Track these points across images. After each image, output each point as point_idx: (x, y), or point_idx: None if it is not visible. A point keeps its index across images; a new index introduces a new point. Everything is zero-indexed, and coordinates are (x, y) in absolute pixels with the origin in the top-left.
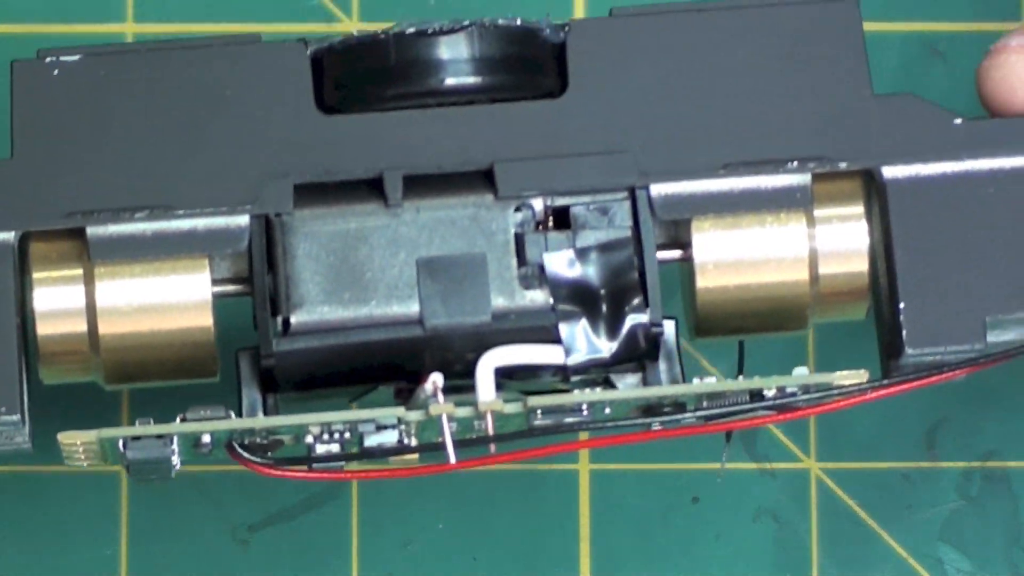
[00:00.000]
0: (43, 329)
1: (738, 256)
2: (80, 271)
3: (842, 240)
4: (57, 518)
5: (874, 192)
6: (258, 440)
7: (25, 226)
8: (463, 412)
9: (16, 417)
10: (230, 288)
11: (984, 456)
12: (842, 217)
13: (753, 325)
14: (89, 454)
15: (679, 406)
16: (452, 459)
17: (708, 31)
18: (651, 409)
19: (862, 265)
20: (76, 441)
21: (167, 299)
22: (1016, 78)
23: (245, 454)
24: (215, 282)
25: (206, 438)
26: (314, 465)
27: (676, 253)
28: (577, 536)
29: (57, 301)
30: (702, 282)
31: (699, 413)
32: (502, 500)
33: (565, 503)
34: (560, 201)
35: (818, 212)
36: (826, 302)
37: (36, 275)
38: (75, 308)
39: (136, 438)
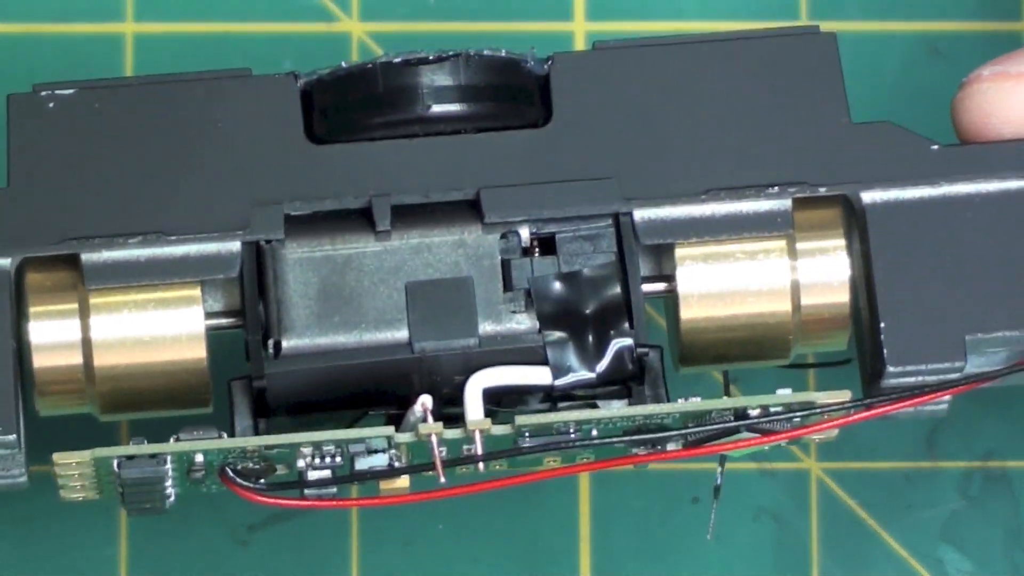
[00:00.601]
0: (39, 362)
1: (722, 288)
2: (75, 305)
3: (824, 272)
4: (57, 518)
5: (854, 219)
6: (251, 464)
7: (20, 252)
8: (452, 434)
9: (12, 437)
10: (223, 321)
11: (984, 456)
12: (824, 250)
13: (736, 354)
14: (84, 480)
15: (663, 429)
16: (442, 478)
17: (689, 62)
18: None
19: (843, 296)
20: (71, 461)
21: (161, 332)
22: (989, 105)
23: (238, 479)
24: (208, 315)
25: (199, 457)
26: (306, 492)
27: (661, 286)
28: (577, 536)
29: (53, 335)
30: (686, 313)
31: (683, 431)
32: (502, 500)
33: (565, 503)
34: (546, 229)
35: (800, 245)
36: (808, 332)
37: (32, 308)
38: (71, 341)
39: (130, 457)
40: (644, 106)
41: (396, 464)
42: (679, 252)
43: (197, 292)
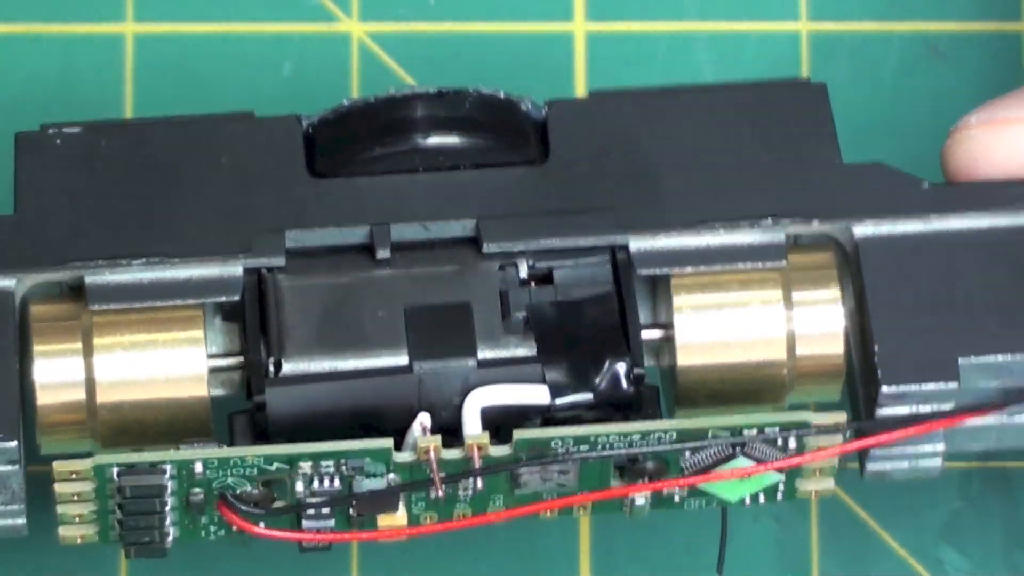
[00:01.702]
0: (43, 399)
1: (718, 338)
2: (79, 344)
3: (819, 323)
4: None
5: (847, 267)
6: (250, 489)
7: (25, 273)
8: (451, 454)
9: (13, 444)
10: (224, 363)
11: (984, 456)
12: (819, 300)
13: (731, 399)
14: (83, 507)
15: (659, 459)
16: (440, 492)
17: (684, 109)
18: (633, 470)
19: (838, 346)
20: (71, 470)
21: (164, 373)
22: (978, 150)
23: (237, 504)
24: (210, 356)
25: (198, 467)
26: (304, 524)
27: (658, 333)
28: (577, 536)
29: (57, 374)
30: (683, 360)
31: (679, 446)
32: None
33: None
34: (543, 263)
35: (796, 295)
36: (803, 380)
37: (37, 347)
38: (74, 381)
39: (131, 465)
40: (640, 149)
41: (393, 483)
42: (676, 301)
43: (200, 333)
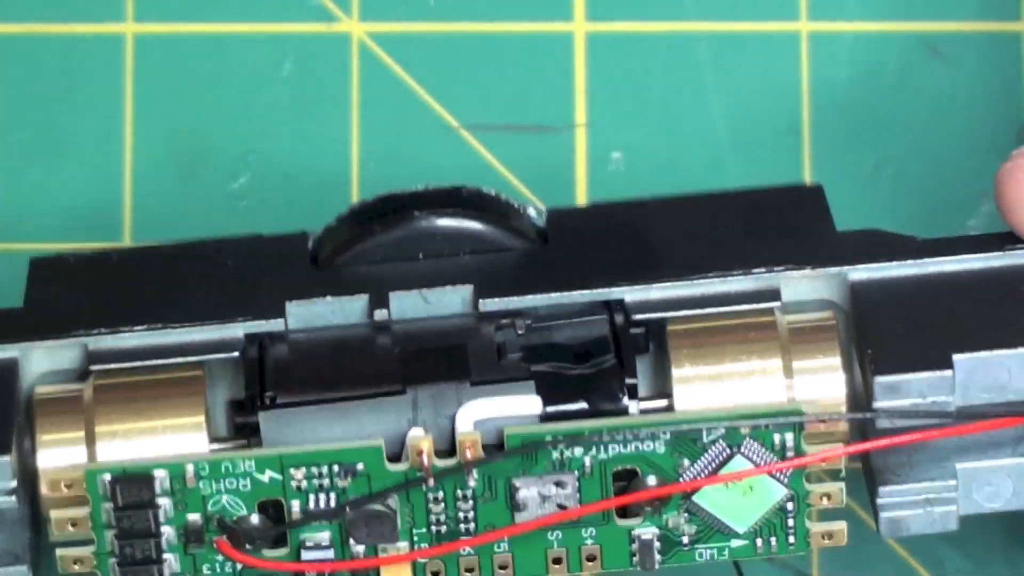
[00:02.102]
0: (46, 490)
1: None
2: (82, 433)
3: (820, 391)
4: None
5: (847, 323)
6: (247, 514)
7: (31, 342)
8: (445, 463)
9: (7, 459)
10: (227, 445)
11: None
12: (818, 369)
13: None
14: (79, 523)
15: (660, 479)
16: (431, 482)
17: (683, 210)
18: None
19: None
20: (63, 479)
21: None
22: None
23: (235, 529)
24: (212, 439)
25: (190, 470)
26: (304, 556)
27: (661, 403)
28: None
29: (61, 462)
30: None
31: (677, 426)
32: None
33: None
34: (540, 324)
35: (796, 363)
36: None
37: (40, 436)
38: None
39: (124, 471)
40: (639, 240)
41: (391, 506)
42: (676, 373)
43: (201, 419)
